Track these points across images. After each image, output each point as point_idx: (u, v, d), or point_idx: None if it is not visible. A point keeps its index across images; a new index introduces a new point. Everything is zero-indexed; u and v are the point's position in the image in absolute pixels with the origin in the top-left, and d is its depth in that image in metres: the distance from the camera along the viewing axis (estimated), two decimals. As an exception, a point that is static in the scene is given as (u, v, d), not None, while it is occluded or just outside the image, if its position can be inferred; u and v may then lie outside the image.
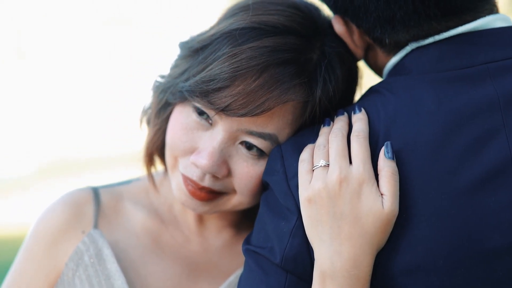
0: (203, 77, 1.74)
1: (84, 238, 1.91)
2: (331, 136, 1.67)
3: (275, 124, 1.75)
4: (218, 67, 1.73)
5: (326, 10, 1.88)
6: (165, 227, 1.99)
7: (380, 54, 1.81)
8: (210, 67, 1.74)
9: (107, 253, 1.90)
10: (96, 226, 1.95)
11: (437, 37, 1.69)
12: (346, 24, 1.81)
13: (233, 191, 1.83)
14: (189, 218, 1.99)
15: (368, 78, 1.93)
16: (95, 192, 2.00)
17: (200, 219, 1.99)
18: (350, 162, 1.63)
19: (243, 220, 2.01)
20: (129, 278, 1.90)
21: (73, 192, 1.99)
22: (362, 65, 1.93)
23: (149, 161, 1.96)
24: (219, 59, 1.74)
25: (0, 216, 8.81)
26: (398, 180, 1.59)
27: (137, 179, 2.06)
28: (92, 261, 1.89)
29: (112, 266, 1.89)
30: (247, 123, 1.74)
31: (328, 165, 1.63)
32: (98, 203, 1.98)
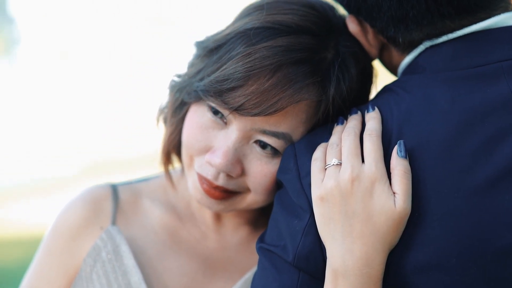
0: (217, 77, 1.76)
1: (102, 234, 1.95)
2: (343, 135, 1.68)
3: (289, 123, 1.76)
4: (232, 67, 1.74)
5: (341, 10, 1.89)
6: (183, 224, 2.02)
7: (394, 53, 1.81)
8: (224, 67, 1.76)
9: (125, 249, 1.93)
10: (114, 222, 1.98)
11: (451, 36, 1.69)
12: (360, 23, 1.81)
13: (247, 190, 1.85)
14: (207, 215, 2.01)
15: (383, 77, 1.93)
16: (114, 189, 2.03)
17: (217, 216, 2.02)
18: (363, 161, 1.63)
19: (260, 218, 2.03)
20: (146, 274, 1.93)
21: (92, 189, 2.03)
22: (377, 64, 1.93)
23: (166, 160, 1.98)
24: (233, 59, 1.75)
25: (41, 214, 8.95)
26: (410, 179, 1.59)
27: (156, 176, 2.09)
28: (109, 257, 1.93)
29: (129, 262, 1.92)
30: (260, 122, 1.76)
31: (340, 164, 1.64)
32: (117, 199, 2.01)
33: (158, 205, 2.02)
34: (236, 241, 2.02)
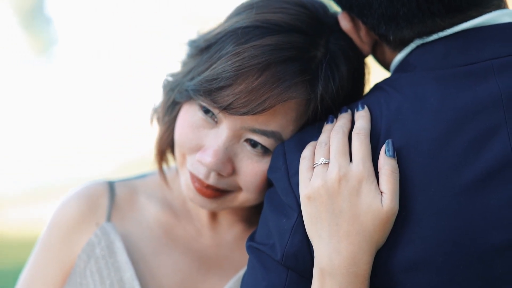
0: (207, 76, 1.76)
1: (96, 230, 1.96)
2: (332, 133, 1.67)
3: (278, 121, 1.76)
4: (221, 66, 1.75)
5: (334, 7, 1.88)
6: (178, 221, 2.03)
7: (386, 50, 1.81)
8: (214, 66, 1.77)
9: (118, 246, 1.94)
10: (109, 218, 1.99)
11: (441, 34, 1.68)
12: (352, 20, 1.81)
13: (239, 189, 1.85)
14: (202, 212, 2.02)
15: (382, 74, 1.92)
16: (111, 185, 2.04)
17: (213, 213, 2.02)
18: (351, 160, 1.63)
19: (255, 215, 2.02)
20: (140, 270, 1.94)
21: (88, 185, 2.04)
22: (372, 61, 1.92)
23: (160, 158, 1.99)
24: (223, 58, 1.76)
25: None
26: (398, 178, 1.59)
27: (153, 173, 2.10)
28: (103, 254, 1.94)
29: (122, 258, 1.93)
30: (250, 121, 1.76)
31: (328, 163, 1.63)
32: (113, 196, 2.02)
33: (154, 201, 2.04)
34: (231, 238, 2.03)
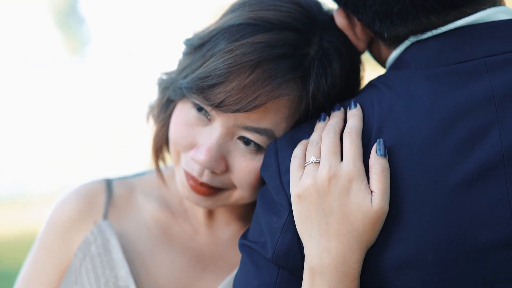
0: (199, 74, 1.76)
1: (92, 228, 1.96)
2: (324, 132, 1.67)
3: (270, 119, 1.76)
4: (214, 64, 1.75)
5: (330, 3, 1.87)
6: (175, 219, 2.03)
7: (382, 47, 1.79)
8: (206, 64, 1.77)
9: (114, 244, 1.94)
10: (105, 217, 2.00)
11: (435, 31, 1.67)
12: (348, 17, 1.80)
13: (233, 187, 1.85)
14: (199, 210, 2.02)
15: (378, 71, 1.90)
16: (108, 183, 2.05)
17: (210, 211, 2.02)
18: (343, 159, 1.61)
19: (252, 213, 2.01)
20: (135, 269, 1.94)
21: (86, 183, 2.05)
22: (370, 58, 1.91)
23: (156, 156, 1.99)
24: (215, 56, 1.76)
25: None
26: (388, 178, 1.57)
27: (151, 171, 2.10)
28: (98, 252, 1.94)
29: (118, 256, 1.93)
30: (242, 118, 1.75)
31: (319, 162, 1.62)
32: (110, 194, 2.02)
33: (151, 200, 2.04)
34: (227, 237, 2.03)
